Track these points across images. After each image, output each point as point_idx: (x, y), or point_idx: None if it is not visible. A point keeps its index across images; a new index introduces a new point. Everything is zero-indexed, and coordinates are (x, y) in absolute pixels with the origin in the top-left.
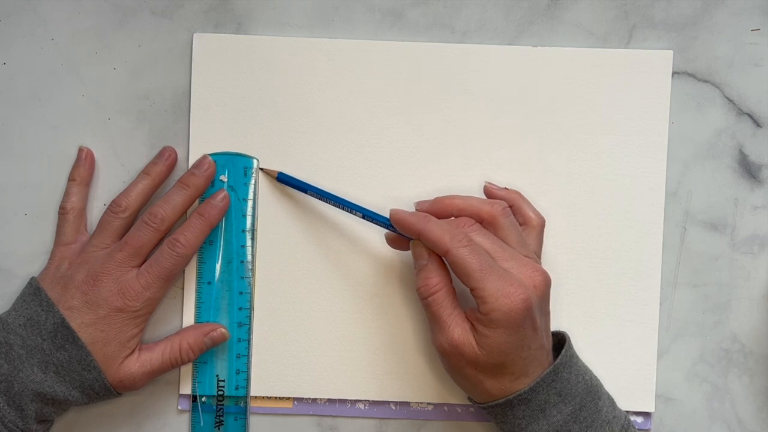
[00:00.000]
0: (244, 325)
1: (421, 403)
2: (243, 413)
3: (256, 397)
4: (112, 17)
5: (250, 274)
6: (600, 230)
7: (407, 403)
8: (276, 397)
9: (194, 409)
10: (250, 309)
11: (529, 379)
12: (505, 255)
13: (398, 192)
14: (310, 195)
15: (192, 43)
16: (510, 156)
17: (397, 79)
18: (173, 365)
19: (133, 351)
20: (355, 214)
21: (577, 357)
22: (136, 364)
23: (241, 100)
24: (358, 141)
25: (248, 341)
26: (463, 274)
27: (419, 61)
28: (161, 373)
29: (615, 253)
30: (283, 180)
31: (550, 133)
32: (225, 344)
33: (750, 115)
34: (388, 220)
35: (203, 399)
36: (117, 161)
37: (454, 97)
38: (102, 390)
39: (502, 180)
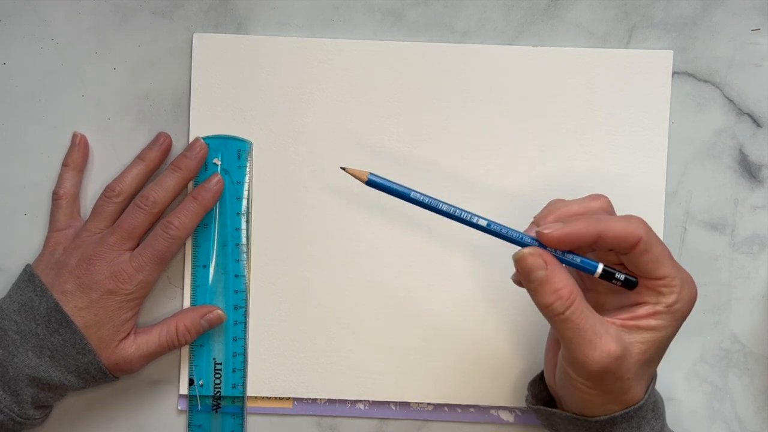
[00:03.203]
0: (240, 308)
1: (421, 403)
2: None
3: (255, 397)
4: (112, 17)
5: (245, 257)
6: None
7: (407, 403)
8: (276, 397)
9: (191, 392)
10: (246, 292)
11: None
12: None
13: None
14: (413, 202)
15: (192, 43)
16: (510, 156)
17: (397, 79)
18: (170, 347)
19: (129, 334)
20: (476, 225)
21: None
22: (132, 346)
23: (241, 100)
24: (358, 141)
25: (245, 324)
26: (654, 261)
27: (419, 61)
28: (158, 356)
29: None
30: (374, 184)
31: (550, 133)
32: (221, 327)
33: (750, 115)
34: (528, 238)
35: (201, 382)
36: (117, 161)
37: (454, 97)
38: (98, 373)
39: (502, 179)
